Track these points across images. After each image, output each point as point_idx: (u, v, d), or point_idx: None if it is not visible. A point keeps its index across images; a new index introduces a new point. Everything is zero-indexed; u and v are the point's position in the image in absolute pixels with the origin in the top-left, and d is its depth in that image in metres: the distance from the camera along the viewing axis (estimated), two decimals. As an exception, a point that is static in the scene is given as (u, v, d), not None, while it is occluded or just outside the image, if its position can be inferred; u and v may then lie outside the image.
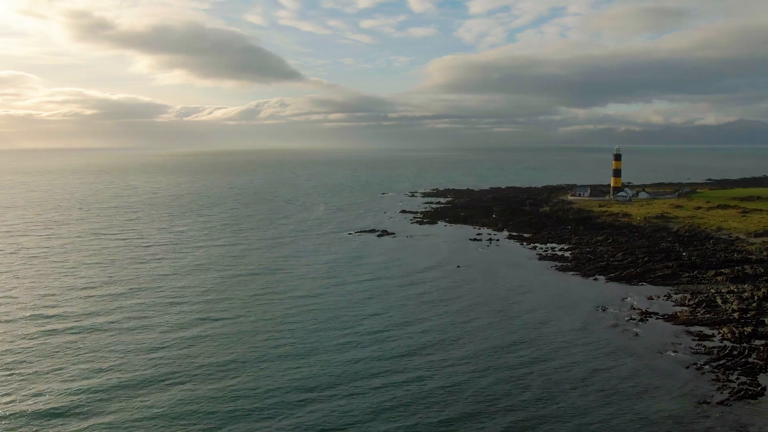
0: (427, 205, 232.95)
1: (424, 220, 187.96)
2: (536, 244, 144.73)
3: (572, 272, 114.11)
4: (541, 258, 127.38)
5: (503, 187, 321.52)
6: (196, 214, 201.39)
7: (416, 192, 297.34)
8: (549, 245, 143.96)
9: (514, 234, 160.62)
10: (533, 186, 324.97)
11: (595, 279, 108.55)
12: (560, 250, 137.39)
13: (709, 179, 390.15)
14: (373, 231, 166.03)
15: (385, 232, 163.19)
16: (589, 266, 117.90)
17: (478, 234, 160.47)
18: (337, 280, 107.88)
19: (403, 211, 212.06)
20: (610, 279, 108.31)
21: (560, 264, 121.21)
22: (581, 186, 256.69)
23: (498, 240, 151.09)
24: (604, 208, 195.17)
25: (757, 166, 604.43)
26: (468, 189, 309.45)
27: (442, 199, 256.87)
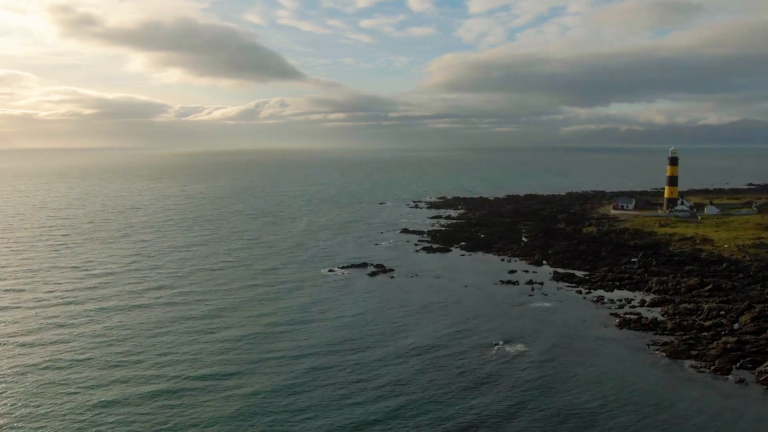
0: (435, 221, 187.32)
1: (434, 246, 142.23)
2: (601, 293, 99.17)
3: (688, 360, 68.52)
4: (622, 324, 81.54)
5: (521, 194, 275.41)
6: (131, 239, 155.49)
7: (420, 201, 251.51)
8: (619, 293, 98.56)
9: (560, 271, 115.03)
10: (555, 193, 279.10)
11: (742, 382, 62.68)
12: (641, 303, 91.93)
13: (751, 184, 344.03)
14: (363, 265, 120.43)
15: (380, 268, 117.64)
16: (711, 345, 72.25)
17: (511, 272, 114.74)
18: (294, 385, 62.07)
19: (405, 231, 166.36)
20: None
21: (658, 340, 75.57)
22: (624, 197, 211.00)
23: (542, 283, 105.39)
24: (668, 229, 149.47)
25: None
26: (481, 197, 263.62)
27: (452, 212, 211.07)
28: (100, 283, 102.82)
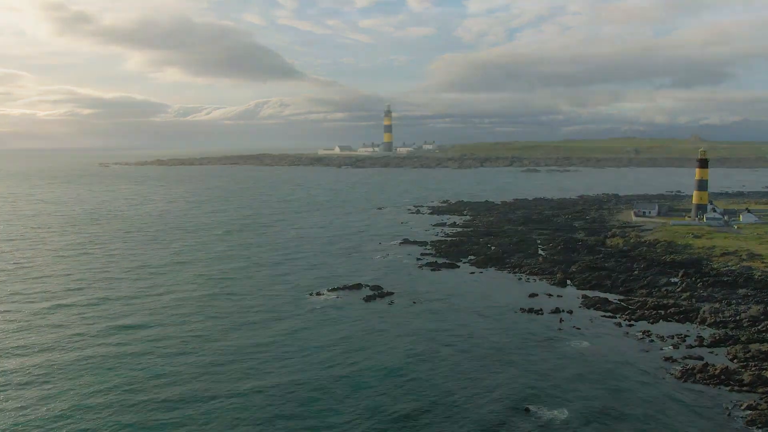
0: (439, 229, 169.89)
1: (439, 261, 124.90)
2: (645, 326, 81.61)
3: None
4: (684, 375, 63.87)
5: (530, 198, 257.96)
6: (93, 255, 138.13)
7: (422, 206, 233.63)
8: (667, 327, 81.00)
9: (590, 295, 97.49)
10: (565, 197, 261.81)
11: None
12: (699, 342, 74.27)
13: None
14: (357, 287, 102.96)
15: (377, 291, 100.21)
16: (812, 411, 54.72)
17: (532, 296, 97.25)
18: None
19: (406, 242, 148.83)
20: None
21: (737, 400, 58.00)
22: (644, 201, 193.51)
23: (571, 312, 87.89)
24: (705, 241, 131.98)
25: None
26: (487, 201, 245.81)
27: (456, 219, 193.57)
28: (37, 320, 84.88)
